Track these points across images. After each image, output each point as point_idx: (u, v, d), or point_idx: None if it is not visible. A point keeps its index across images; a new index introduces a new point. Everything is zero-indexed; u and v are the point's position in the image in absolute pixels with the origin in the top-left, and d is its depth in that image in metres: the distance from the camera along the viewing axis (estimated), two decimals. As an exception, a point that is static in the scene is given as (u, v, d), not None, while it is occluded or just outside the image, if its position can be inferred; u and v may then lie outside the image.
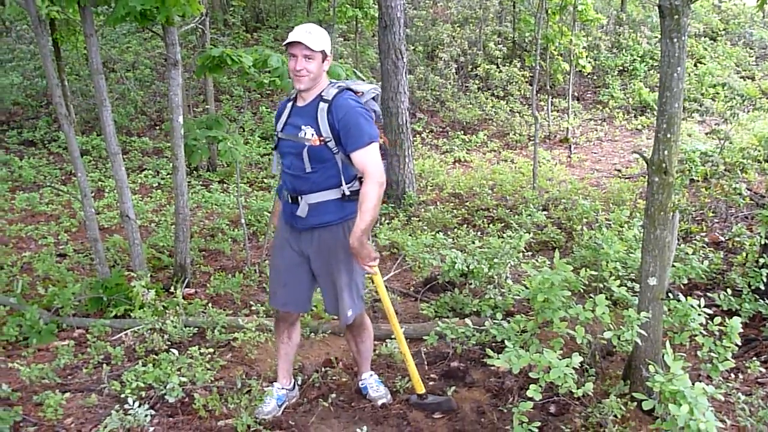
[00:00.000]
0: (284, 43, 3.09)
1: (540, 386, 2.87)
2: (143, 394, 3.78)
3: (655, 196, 3.12)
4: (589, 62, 11.75)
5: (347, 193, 3.25)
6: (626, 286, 4.25)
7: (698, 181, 7.39)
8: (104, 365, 4.18)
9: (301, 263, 3.42)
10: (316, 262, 3.38)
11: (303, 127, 3.16)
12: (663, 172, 3.07)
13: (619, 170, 9.61)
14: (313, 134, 3.14)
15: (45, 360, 4.40)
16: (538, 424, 2.97)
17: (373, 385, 3.79)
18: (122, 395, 3.74)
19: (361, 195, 3.12)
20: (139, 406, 3.51)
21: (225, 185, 9.91)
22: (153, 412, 3.56)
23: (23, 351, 4.61)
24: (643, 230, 3.28)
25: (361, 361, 3.81)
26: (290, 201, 3.30)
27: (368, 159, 3.12)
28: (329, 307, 3.50)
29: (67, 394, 3.84)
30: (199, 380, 3.82)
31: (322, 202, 3.24)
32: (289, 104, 3.32)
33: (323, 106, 3.14)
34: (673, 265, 4.53)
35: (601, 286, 4.39)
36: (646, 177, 3.23)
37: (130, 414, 3.48)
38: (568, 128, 11.86)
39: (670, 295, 3.95)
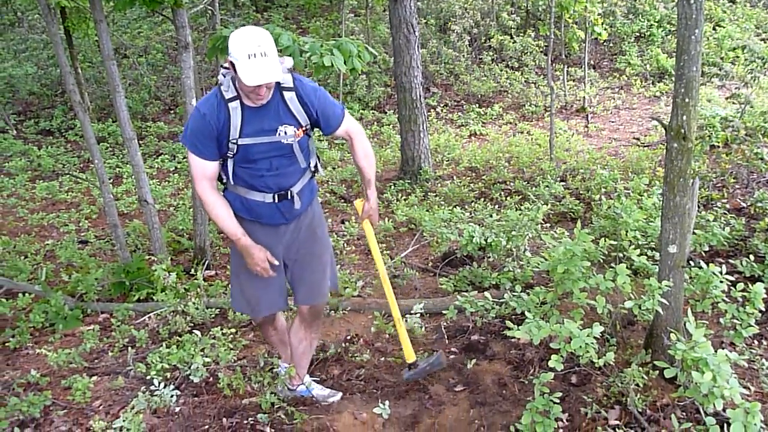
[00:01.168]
0: (247, 83, 2.69)
1: (561, 356, 2.86)
2: (168, 375, 3.84)
3: (674, 163, 3.08)
4: (605, 29, 11.52)
5: (313, 169, 3.24)
6: (646, 255, 4.22)
7: (719, 146, 7.28)
8: (129, 348, 4.25)
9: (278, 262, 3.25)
10: (302, 249, 3.27)
11: (279, 128, 2.94)
12: (682, 138, 3.02)
13: (638, 138, 9.49)
14: (294, 130, 2.98)
15: (71, 345, 4.48)
16: (560, 394, 2.97)
17: (316, 385, 3.68)
18: (148, 377, 3.80)
19: (363, 152, 3.23)
20: (165, 387, 3.57)
21: (241, 167, 9.93)
22: (178, 393, 3.62)
23: (50, 337, 4.70)
24: (662, 198, 3.24)
25: (305, 362, 3.61)
26: (277, 200, 3.09)
27: (350, 124, 3.17)
28: (307, 295, 3.35)
29: (95, 378, 3.92)
30: (223, 360, 3.87)
31: (303, 187, 3.18)
32: (234, 106, 2.87)
33: (290, 95, 2.96)
34: (694, 233, 4.48)
35: (621, 255, 4.36)
36: (665, 144, 3.18)
37: (156, 395, 3.54)
38: (584, 97, 11.70)
39: (691, 262, 3.91)
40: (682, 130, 3.00)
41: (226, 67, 2.90)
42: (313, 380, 3.71)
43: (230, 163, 3.02)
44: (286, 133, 2.96)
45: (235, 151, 2.94)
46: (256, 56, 2.68)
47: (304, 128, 3.02)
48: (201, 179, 2.98)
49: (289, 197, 3.10)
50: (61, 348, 4.32)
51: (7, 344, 4.59)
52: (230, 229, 3.05)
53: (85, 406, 3.66)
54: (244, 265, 3.16)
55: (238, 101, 2.87)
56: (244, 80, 2.68)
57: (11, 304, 4.90)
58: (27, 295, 5.01)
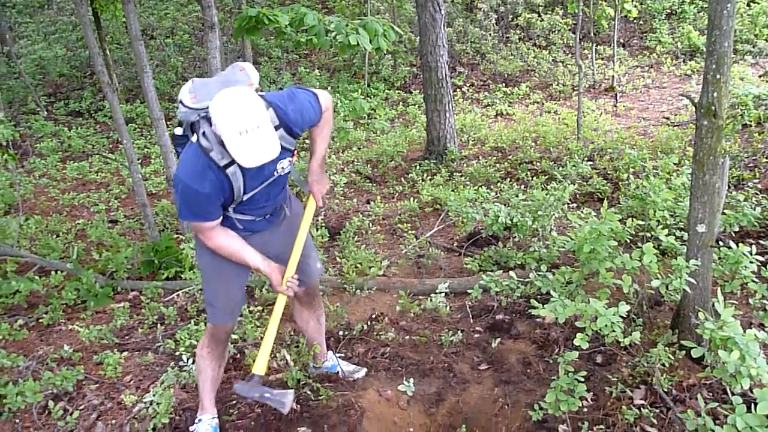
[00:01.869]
0: (244, 165, 2.41)
1: (586, 335, 2.85)
2: (196, 351, 3.90)
3: (704, 140, 3.03)
4: (635, 6, 11.30)
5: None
6: (674, 235, 4.17)
7: (751, 125, 7.13)
8: (158, 325, 4.34)
9: (247, 269, 3.05)
10: (285, 239, 3.07)
11: (278, 165, 2.77)
12: (712, 115, 2.96)
13: (668, 118, 9.33)
14: (289, 159, 2.82)
15: (103, 321, 4.58)
16: (584, 373, 2.96)
17: (341, 362, 3.69)
18: (177, 353, 3.88)
19: (324, 122, 2.97)
20: (193, 363, 3.63)
21: (267, 147, 9.98)
22: (206, 369, 3.68)
23: (82, 313, 4.80)
24: (691, 177, 3.19)
25: (321, 340, 3.59)
26: (270, 215, 3.01)
27: (325, 108, 2.94)
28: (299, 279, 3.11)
29: (125, 353, 4.01)
30: (249, 337, 3.93)
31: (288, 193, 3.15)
32: (232, 171, 2.59)
33: (279, 133, 2.70)
34: (724, 213, 4.41)
35: (649, 235, 4.31)
36: (695, 122, 3.13)
37: (185, 370, 3.61)
38: (613, 76, 11.52)
39: (720, 242, 3.86)
40: (713, 107, 2.95)
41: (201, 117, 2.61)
42: (339, 356, 3.74)
43: (230, 209, 2.82)
44: (283, 167, 2.81)
45: (238, 203, 2.77)
46: (248, 132, 2.36)
47: (294, 150, 2.86)
48: (208, 232, 2.76)
49: (279, 208, 3.05)
50: (92, 324, 4.42)
51: (40, 320, 4.70)
52: (253, 261, 2.84)
53: (116, 380, 3.75)
54: (217, 274, 2.96)
55: (235, 165, 2.57)
56: (239, 161, 2.40)
57: (44, 282, 5.01)
58: (59, 272, 5.12)
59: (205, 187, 2.55)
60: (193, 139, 2.61)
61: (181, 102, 2.64)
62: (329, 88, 11.73)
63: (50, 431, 3.31)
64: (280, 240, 3.05)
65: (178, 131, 2.73)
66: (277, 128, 2.64)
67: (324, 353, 3.65)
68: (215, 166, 2.54)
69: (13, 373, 3.87)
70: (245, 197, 2.73)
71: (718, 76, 2.92)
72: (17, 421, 3.42)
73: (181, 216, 2.75)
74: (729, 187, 4.89)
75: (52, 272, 5.14)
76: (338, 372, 3.61)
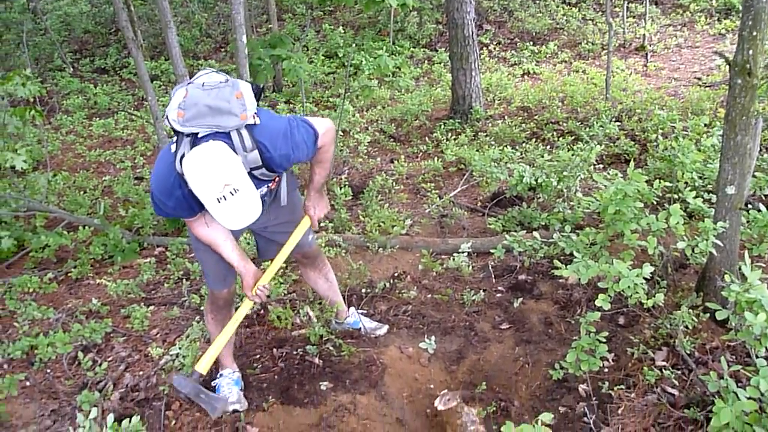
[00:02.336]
0: (229, 227, 2.46)
1: (609, 296, 2.84)
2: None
3: (737, 100, 2.95)
4: (669, -38, 10.95)
5: None
6: (702, 197, 4.10)
7: (786, 86, 6.93)
8: (184, 280, 4.41)
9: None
10: (279, 214, 3.08)
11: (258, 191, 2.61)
12: (746, 74, 2.88)
13: (699, 78, 9.09)
14: (268, 186, 2.80)
15: (129, 276, 4.66)
16: (606, 334, 2.96)
17: (363, 318, 3.73)
18: (201, 308, 3.94)
19: (323, 153, 2.89)
20: (218, 318, 3.69)
21: (291, 105, 9.95)
22: (231, 323, 3.74)
23: (109, 268, 4.89)
24: (722, 137, 3.12)
25: (336, 297, 3.63)
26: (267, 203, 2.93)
27: (324, 148, 2.85)
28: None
29: (152, 307, 4.08)
30: (273, 294, 3.97)
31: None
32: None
33: (259, 172, 2.62)
34: (754, 175, 4.33)
35: (676, 197, 4.25)
36: (728, 82, 3.05)
37: (209, 325, 3.67)
38: (644, 35, 11.21)
39: (749, 205, 3.79)
40: (748, 65, 2.87)
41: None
42: (361, 313, 3.78)
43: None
44: (264, 191, 2.77)
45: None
46: (226, 198, 2.30)
47: (278, 174, 2.80)
48: (189, 224, 2.75)
49: (275, 195, 2.98)
50: (119, 279, 4.51)
51: (69, 274, 4.80)
52: (231, 258, 2.80)
53: (143, 333, 3.83)
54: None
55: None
56: (223, 224, 2.39)
57: (72, 237, 5.10)
58: (87, 228, 5.20)
59: (171, 202, 2.53)
60: (172, 149, 2.49)
61: (167, 117, 2.49)
62: (354, 45, 11.60)
63: (80, 381, 3.40)
64: (265, 216, 2.86)
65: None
66: (255, 169, 2.55)
67: (345, 310, 3.69)
68: (186, 189, 2.45)
69: (43, 325, 3.97)
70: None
71: (754, 33, 2.83)
72: (48, 370, 3.52)
73: (158, 212, 2.69)
74: (760, 149, 4.78)
75: (80, 227, 5.22)
76: (360, 328, 3.65)
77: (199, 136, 2.43)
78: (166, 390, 3.20)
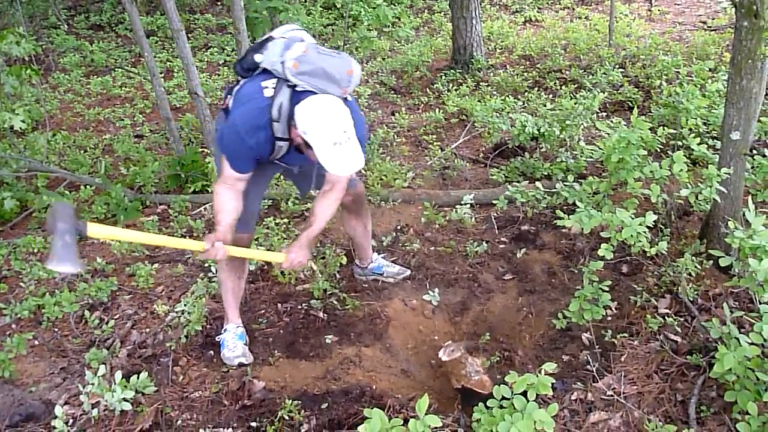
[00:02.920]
0: (334, 173, 2.56)
1: (612, 245, 2.84)
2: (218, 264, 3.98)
3: (743, 43, 2.88)
4: None
5: None
6: (707, 143, 4.05)
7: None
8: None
9: (264, 184, 3.21)
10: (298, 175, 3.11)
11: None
12: (753, 15, 2.81)
13: (704, 22, 8.91)
14: None
15: (133, 234, 4.66)
16: (609, 283, 2.96)
17: (386, 263, 3.79)
18: (205, 264, 3.95)
19: (330, 205, 2.96)
20: (222, 274, 3.71)
21: (290, 59, 9.82)
22: (235, 279, 3.76)
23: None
24: (727, 82, 3.06)
25: (368, 244, 3.68)
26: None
27: (341, 180, 2.90)
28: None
29: (156, 265, 4.10)
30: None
31: None
32: (281, 145, 2.75)
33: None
34: (760, 120, 4.26)
35: (680, 144, 4.21)
36: (734, 25, 2.98)
37: (214, 281, 3.69)
38: (649, -22, 10.97)
39: (754, 151, 3.75)
40: (754, 7, 2.79)
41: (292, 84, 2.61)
42: (382, 257, 3.80)
43: None
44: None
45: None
46: (341, 144, 2.47)
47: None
48: (226, 182, 2.77)
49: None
50: (123, 237, 4.51)
51: (73, 234, 4.80)
52: (222, 225, 2.74)
53: (148, 291, 3.86)
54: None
55: (286, 143, 2.72)
56: (329, 169, 2.50)
57: (74, 196, 5.09)
58: (88, 187, 5.19)
59: (252, 142, 2.64)
60: (267, 94, 2.63)
61: (282, 62, 2.60)
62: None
63: (88, 339, 3.44)
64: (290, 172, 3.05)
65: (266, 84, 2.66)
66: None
67: (369, 255, 3.73)
68: (270, 133, 2.64)
69: (49, 284, 4.00)
70: (279, 162, 2.86)
71: (761, -27, 2.75)
72: (56, 329, 3.56)
73: (221, 149, 2.75)
74: (767, 93, 4.71)
75: (82, 187, 5.21)
76: (383, 273, 3.71)
77: (299, 90, 2.60)
78: (173, 346, 3.24)
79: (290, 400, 2.81)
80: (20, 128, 4.44)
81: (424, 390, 2.97)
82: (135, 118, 7.65)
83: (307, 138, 2.50)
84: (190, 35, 10.70)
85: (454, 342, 3.03)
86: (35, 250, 4.46)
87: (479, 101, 6.40)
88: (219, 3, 13.07)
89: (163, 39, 11.22)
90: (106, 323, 3.49)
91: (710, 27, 8.50)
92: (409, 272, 3.76)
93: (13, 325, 3.63)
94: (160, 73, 7.16)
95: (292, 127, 2.61)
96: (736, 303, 3.03)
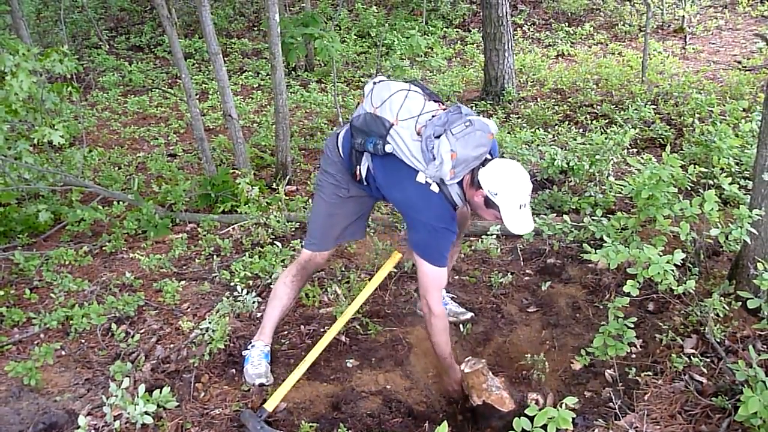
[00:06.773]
0: (515, 232, 2.69)
1: (638, 282, 2.81)
2: (250, 282, 4.02)
3: (777, 85, 2.87)
4: (712, -59, 10.65)
5: None
6: (738, 183, 4.02)
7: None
8: (215, 256, 4.47)
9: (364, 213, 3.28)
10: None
11: None
12: (787, 58, 2.80)
13: (740, 61, 8.87)
14: None
15: (162, 251, 4.74)
16: (635, 320, 2.93)
17: (450, 301, 3.76)
18: (232, 283, 4.00)
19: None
20: (247, 294, 3.75)
21: (323, 85, 9.96)
22: (260, 299, 3.80)
23: (142, 243, 4.98)
24: (761, 122, 3.05)
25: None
26: None
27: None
28: None
29: (183, 282, 4.15)
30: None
31: None
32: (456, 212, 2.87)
33: None
34: (794, 162, 4.22)
35: (711, 183, 4.17)
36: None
37: (239, 300, 3.72)
38: (683, 16, 10.96)
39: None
40: (790, 49, 2.79)
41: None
42: (450, 296, 3.77)
43: None
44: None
45: None
46: (526, 206, 2.64)
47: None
48: (439, 290, 2.94)
49: None
50: (152, 253, 4.58)
51: (104, 248, 4.89)
52: (447, 353, 3.01)
53: (174, 307, 3.90)
54: (325, 209, 3.12)
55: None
56: (510, 228, 2.64)
57: (107, 211, 5.19)
58: (121, 203, 5.29)
59: (454, 226, 2.82)
60: (434, 189, 2.72)
61: (434, 176, 2.69)
62: (386, 24, 11.53)
63: (113, 351, 3.49)
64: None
65: (421, 178, 2.74)
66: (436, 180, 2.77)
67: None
68: (453, 210, 2.80)
69: (78, 296, 4.07)
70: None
71: (797, 15, 2.75)
72: (83, 341, 3.61)
73: (433, 261, 2.82)
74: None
75: (115, 202, 5.31)
76: (446, 308, 3.66)
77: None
78: (196, 363, 3.27)
79: (308, 423, 2.81)
80: (58, 143, 4.56)
81: (442, 418, 2.95)
82: (169, 138, 7.81)
83: (496, 199, 2.60)
84: (226, 59, 10.93)
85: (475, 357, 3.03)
86: (66, 263, 4.55)
87: (509, 133, 6.42)
88: (255, 28, 13.35)
89: (200, 61, 11.48)
90: (132, 337, 3.53)
91: (745, 67, 8.45)
92: (470, 315, 3.65)
93: (42, 335, 3.69)
94: (196, 95, 7.30)
95: (469, 186, 2.72)
96: (764, 346, 2.97)
